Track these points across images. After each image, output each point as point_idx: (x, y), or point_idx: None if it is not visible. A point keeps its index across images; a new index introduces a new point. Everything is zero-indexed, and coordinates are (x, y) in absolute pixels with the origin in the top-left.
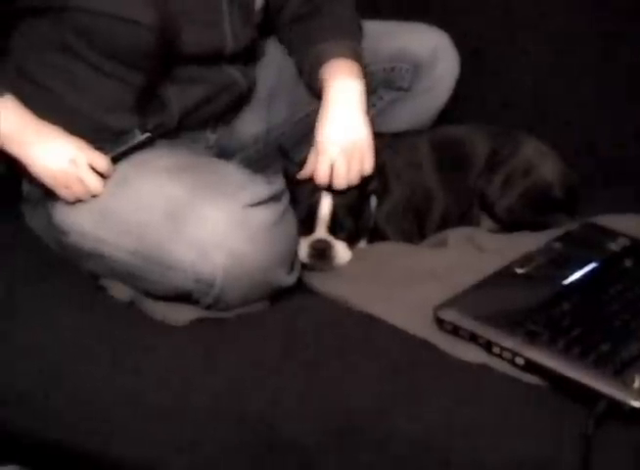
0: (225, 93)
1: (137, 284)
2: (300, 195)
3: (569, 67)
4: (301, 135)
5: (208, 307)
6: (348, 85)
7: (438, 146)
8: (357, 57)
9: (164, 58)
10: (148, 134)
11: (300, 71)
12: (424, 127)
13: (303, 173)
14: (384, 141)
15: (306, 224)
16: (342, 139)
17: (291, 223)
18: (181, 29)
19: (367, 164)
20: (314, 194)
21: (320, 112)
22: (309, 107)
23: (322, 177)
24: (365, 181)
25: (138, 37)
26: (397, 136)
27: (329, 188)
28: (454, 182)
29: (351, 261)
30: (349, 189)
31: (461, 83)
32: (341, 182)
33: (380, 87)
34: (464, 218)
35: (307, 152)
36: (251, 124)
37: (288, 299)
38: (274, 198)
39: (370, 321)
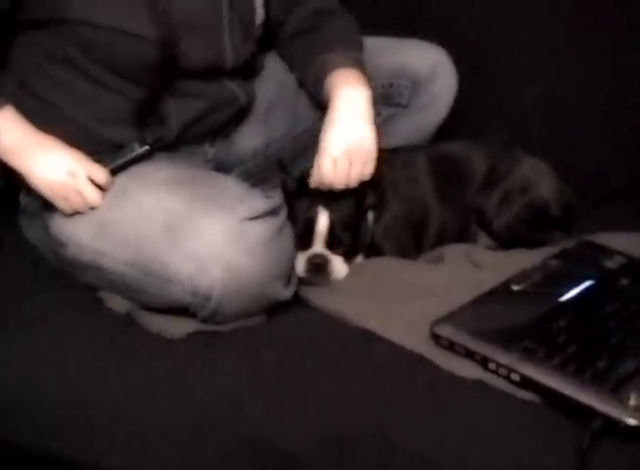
0: (224, 107)
1: (134, 296)
2: (298, 209)
3: (567, 83)
4: (300, 150)
5: (205, 321)
6: (356, 93)
7: (436, 162)
8: (362, 67)
9: (165, 72)
10: (147, 147)
11: (303, 84)
12: (422, 143)
13: (313, 181)
14: (382, 156)
15: (304, 239)
16: (346, 141)
17: (288, 238)
18: (182, 44)
19: (368, 169)
20: (312, 208)
21: (326, 118)
22: (308, 121)
23: (324, 176)
24: (363, 195)
25: (139, 51)
26: (395, 152)
27: (326, 195)
28: (452, 198)
29: (348, 276)
30: (345, 197)
31: (459, 100)
32: (340, 181)
33: (378, 103)
34: (461, 235)
35: (306, 166)
36: (249, 138)
37: (285, 313)
38: (272, 212)
39: (366, 336)
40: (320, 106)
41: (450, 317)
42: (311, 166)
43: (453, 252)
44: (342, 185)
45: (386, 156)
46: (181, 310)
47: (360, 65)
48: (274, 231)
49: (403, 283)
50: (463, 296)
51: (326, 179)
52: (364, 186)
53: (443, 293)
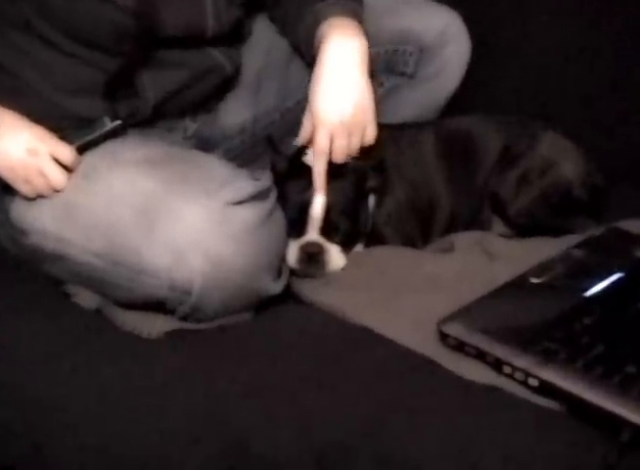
0: (207, 78)
1: (105, 291)
2: (290, 192)
3: (599, 56)
4: (293, 125)
5: (185, 318)
6: (347, 43)
7: (445, 139)
8: (360, 19)
9: (140, 40)
10: (118, 122)
11: (296, 46)
12: (429, 118)
13: (301, 140)
14: (384, 133)
15: (296, 225)
16: (342, 108)
17: (278, 224)
18: (159, 9)
19: (369, 135)
20: (305, 191)
21: (314, 74)
22: (301, 93)
23: (321, 151)
24: (363, 177)
25: (111, 18)
26: (399, 128)
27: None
28: (462, 180)
29: (346, 268)
30: (343, 178)
31: (472, 70)
32: (340, 157)
33: (380, 72)
34: (473, 221)
35: (298, 146)
36: (235, 112)
37: (274, 309)
38: (260, 195)
39: (366, 335)
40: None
41: (460, 314)
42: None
43: (464, 240)
44: (343, 160)
45: (389, 132)
46: (158, 306)
47: (358, 17)
48: (262, 216)
49: (408, 276)
50: (475, 290)
51: (320, 153)
52: (365, 166)
53: (453, 286)
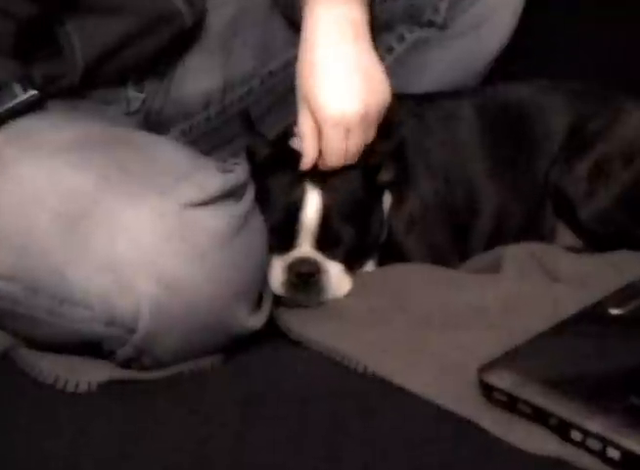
0: (158, 30)
1: (14, 327)
2: (274, 189)
3: None
4: (276, 96)
5: (128, 363)
6: (335, 10)
7: (490, 115)
8: None
9: None
10: (34, 92)
11: None
12: (467, 86)
13: (299, 142)
14: (404, 107)
15: (283, 235)
16: (354, 98)
17: (257, 234)
18: None
19: (372, 131)
20: (295, 188)
21: (302, 54)
22: (288, 53)
23: (336, 152)
24: (374, 168)
25: None
26: (426, 100)
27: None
28: (514, 172)
29: (352, 294)
30: (346, 170)
31: (526, 20)
32: (333, 158)
33: (399, 23)
34: (528, 228)
35: (283, 124)
36: (197, 79)
37: (251, 351)
38: (231, 193)
39: (381, 388)
40: (296, 27)
41: (510, 359)
42: (295, 124)
43: (516, 256)
44: (336, 163)
45: (411, 106)
46: (90, 348)
47: None
48: (234, 223)
49: (437, 305)
50: (530, 325)
51: (337, 156)
52: (376, 152)
53: (499, 320)
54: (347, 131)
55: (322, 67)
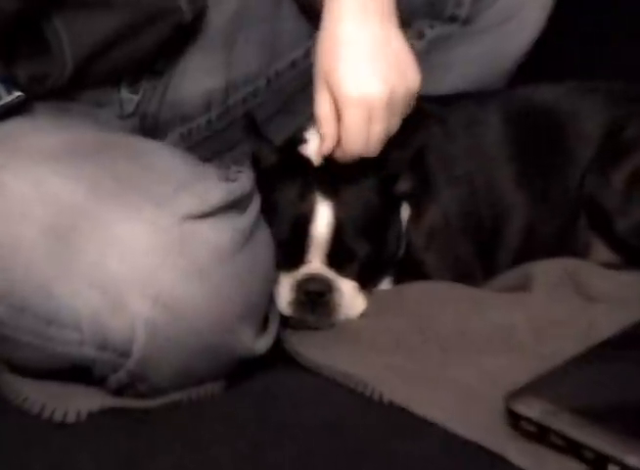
0: (154, 26)
1: None
2: (282, 200)
3: None
4: (283, 98)
5: (121, 390)
6: None
7: (518, 120)
8: None
9: None
10: (19, 93)
11: None
12: (493, 87)
13: (324, 149)
14: (424, 110)
15: (291, 250)
16: (381, 79)
17: (263, 248)
18: None
19: (396, 121)
20: (305, 198)
21: (323, 28)
22: (297, 51)
23: (355, 138)
24: (390, 176)
25: None
26: (448, 102)
27: (328, 175)
28: (544, 182)
29: (368, 315)
30: (360, 178)
31: (556, 17)
32: (353, 147)
33: (419, 18)
34: (561, 243)
35: (292, 129)
36: (197, 79)
37: (256, 378)
38: (235, 204)
39: (400, 418)
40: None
41: (540, 386)
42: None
43: (546, 272)
44: (357, 153)
45: (432, 108)
46: (79, 374)
47: None
48: (238, 237)
49: (459, 326)
50: (563, 348)
51: (327, 142)
52: (394, 159)
53: (528, 343)
54: (370, 116)
55: (347, 41)
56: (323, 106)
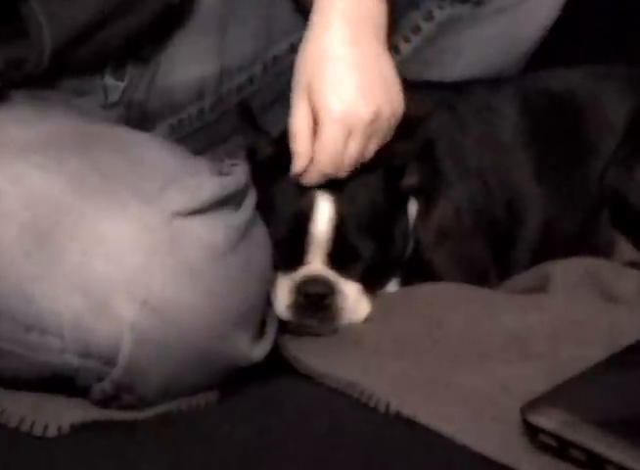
0: (141, 6)
1: None
2: (279, 195)
3: None
4: (281, 86)
5: (106, 402)
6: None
7: (535, 108)
8: None
9: None
10: None
11: None
12: (507, 73)
13: (297, 166)
14: (433, 97)
15: (290, 250)
16: (365, 101)
17: (259, 248)
18: None
19: (374, 144)
20: (304, 194)
21: (309, 36)
22: (295, 33)
23: (330, 154)
24: (396, 170)
25: None
26: (459, 89)
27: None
28: (563, 174)
29: (373, 320)
30: (364, 173)
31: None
32: (348, 165)
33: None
34: (581, 241)
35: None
36: (188, 64)
37: (253, 387)
38: (229, 200)
39: (402, 428)
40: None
41: (559, 395)
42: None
43: (566, 273)
44: (328, 168)
45: (441, 96)
46: (61, 385)
47: None
48: (232, 236)
49: (472, 331)
50: (583, 354)
51: (301, 158)
52: (399, 151)
53: (546, 349)
54: (349, 134)
55: (334, 56)
56: (300, 119)
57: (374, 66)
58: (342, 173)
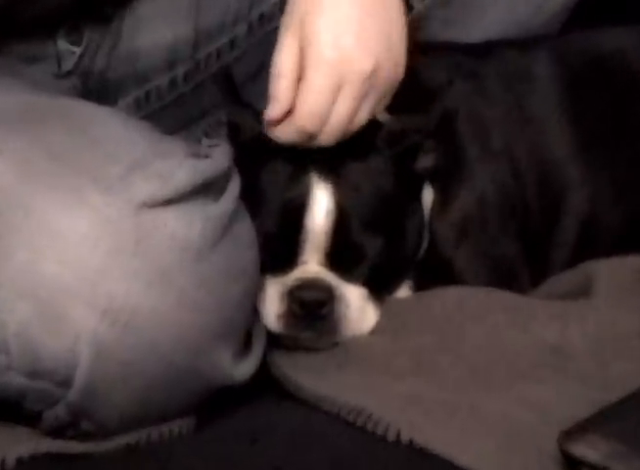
0: None
1: None
2: (268, 182)
3: None
4: (269, 51)
5: (60, 431)
6: None
7: (575, 75)
8: None
9: None
10: None
11: None
12: (540, 33)
13: (272, 110)
14: (453, 63)
15: (281, 248)
16: (347, 50)
17: (244, 245)
18: None
19: (368, 106)
20: (298, 180)
21: None
22: None
23: (303, 120)
24: (408, 149)
25: None
26: (484, 52)
27: (326, 150)
28: (610, 156)
29: (379, 331)
30: (368, 154)
31: None
32: (303, 121)
33: None
34: (631, 236)
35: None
36: (157, 26)
37: (236, 412)
38: (207, 188)
39: (415, 459)
40: None
41: (604, 422)
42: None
43: (612, 274)
44: (334, 138)
45: (460, 61)
46: (6, 410)
47: None
48: (211, 230)
49: (499, 345)
50: (632, 372)
51: (280, 103)
52: (411, 127)
53: (588, 366)
54: (338, 87)
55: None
56: (285, 58)
57: (381, 13)
58: (327, 139)
